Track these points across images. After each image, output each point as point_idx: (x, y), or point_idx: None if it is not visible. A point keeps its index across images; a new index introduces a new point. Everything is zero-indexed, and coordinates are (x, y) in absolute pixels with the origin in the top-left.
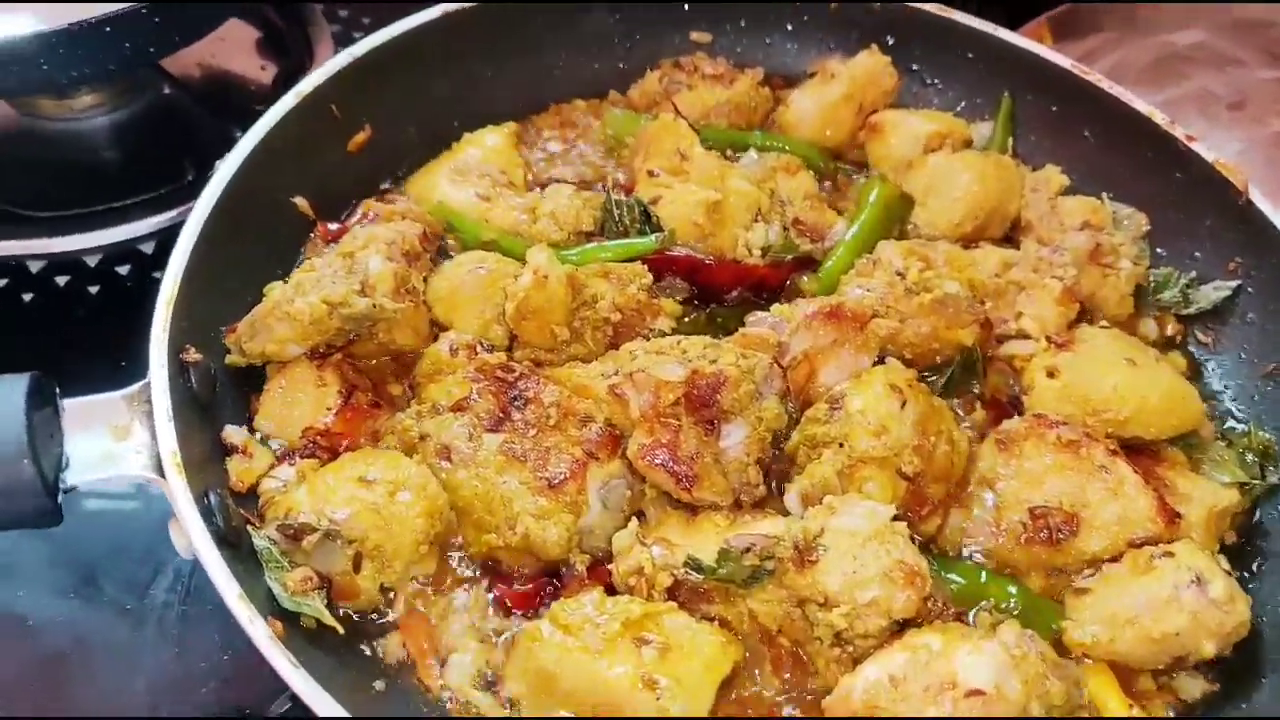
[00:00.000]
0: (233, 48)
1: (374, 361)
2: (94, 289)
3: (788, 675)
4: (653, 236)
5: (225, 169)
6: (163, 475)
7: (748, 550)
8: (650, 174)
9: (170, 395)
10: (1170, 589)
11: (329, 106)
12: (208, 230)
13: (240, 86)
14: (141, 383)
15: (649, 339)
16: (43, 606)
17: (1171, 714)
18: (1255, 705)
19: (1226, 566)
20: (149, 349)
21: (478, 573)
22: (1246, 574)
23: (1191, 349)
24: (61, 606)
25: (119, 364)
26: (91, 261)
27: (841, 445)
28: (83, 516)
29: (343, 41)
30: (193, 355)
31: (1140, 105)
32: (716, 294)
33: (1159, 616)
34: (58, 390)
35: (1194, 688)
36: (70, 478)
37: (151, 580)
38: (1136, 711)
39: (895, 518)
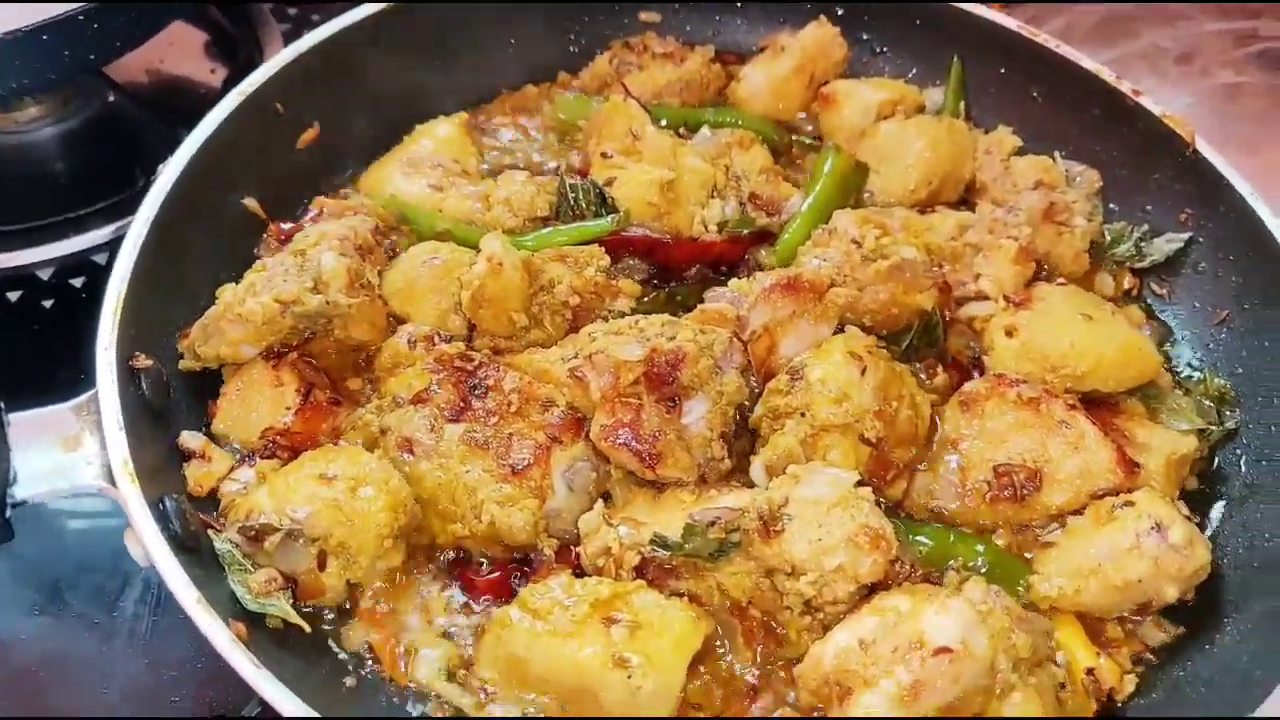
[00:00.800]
0: (180, 52)
1: (332, 357)
2: (48, 303)
3: (760, 646)
4: (608, 218)
5: (169, 173)
6: (115, 485)
7: (713, 524)
8: (604, 156)
9: (120, 403)
10: (1131, 537)
11: (273, 105)
12: (153, 235)
13: (189, 91)
14: (90, 392)
15: (609, 321)
16: (9, 625)
17: (1135, 660)
18: (1218, 646)
19: (1186, 512)
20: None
21: (445, 563)
22: (1207, 518)
23: (1148, 300)
24: (28, 624)
25: (76, 377)
26: (44, 275)
27: (803, 415)
28: (46, 533)
29: (293, 41)
30: (143, 362)
31: (1087, 63)
32: (675, 272)
33: (1121, 565)
34: (1, 405)
35: (1159, 634)
36: (19, 492)
37: (120, 592)
38: (1103, 659)
39: (860, 483)
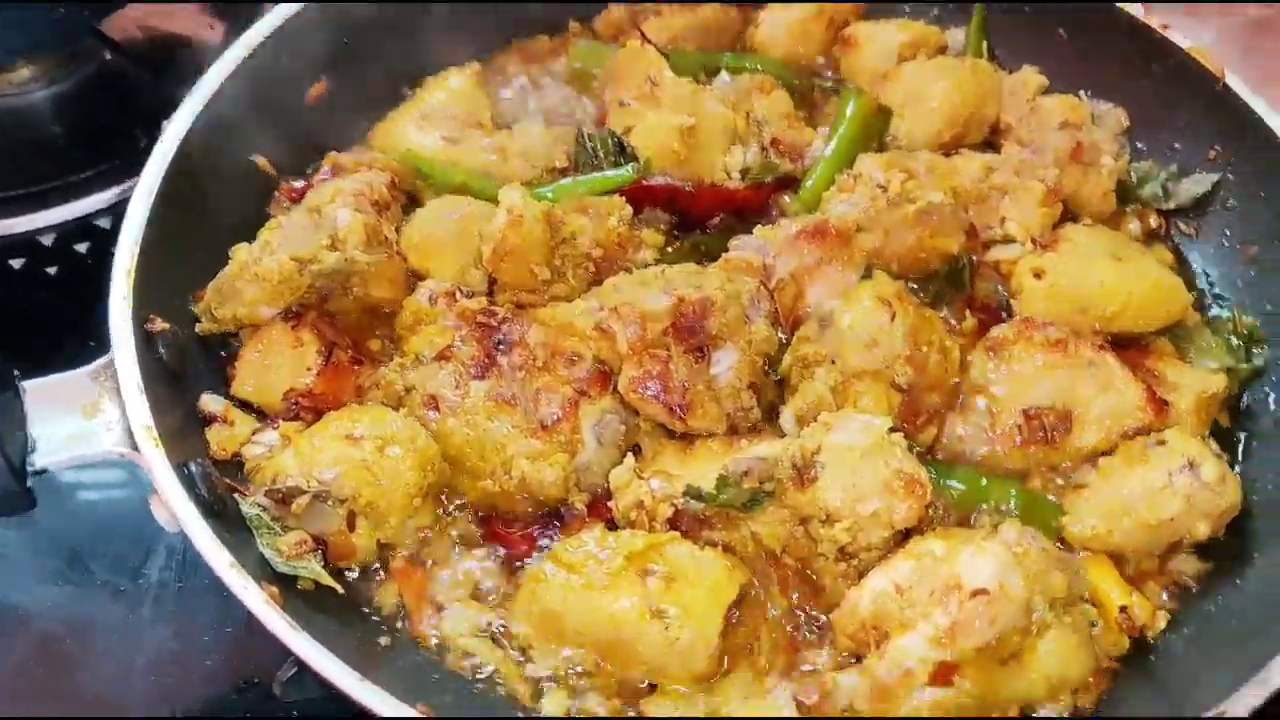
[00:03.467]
0: (176, 14)
1: (352, 317)
2: (52, 269)
3: (795, 594)
4: (628, 167)
5: (174, 130)
6: (137, 449)
7: (746, 474)
8: (621, 104)
9: (138, 367)
10: (1164, 476)
11: (279, 59)
12: (162, 195)
13: (187, 48)
14: (106, 357)
15: (632, 272)
16: (35, 596)
17: (1167, 596)
18: (1248, 580)
19: (1217, 450)
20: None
21: (476, 520)
22: (1236, 455)
23: (1175, 239)
24: (54, 594)
25: (86, 344)
26: (47, 241)
27: (834, 362)
28: (69, 502)
29: None
30: (158, 325)
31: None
32: (698, 221)
33: (1154, 503)
34: (16, 373)
35: (1189, 568)
36: (39, 460)
37: (144, 560)
38: (1135, 597)
39: (891, 429)
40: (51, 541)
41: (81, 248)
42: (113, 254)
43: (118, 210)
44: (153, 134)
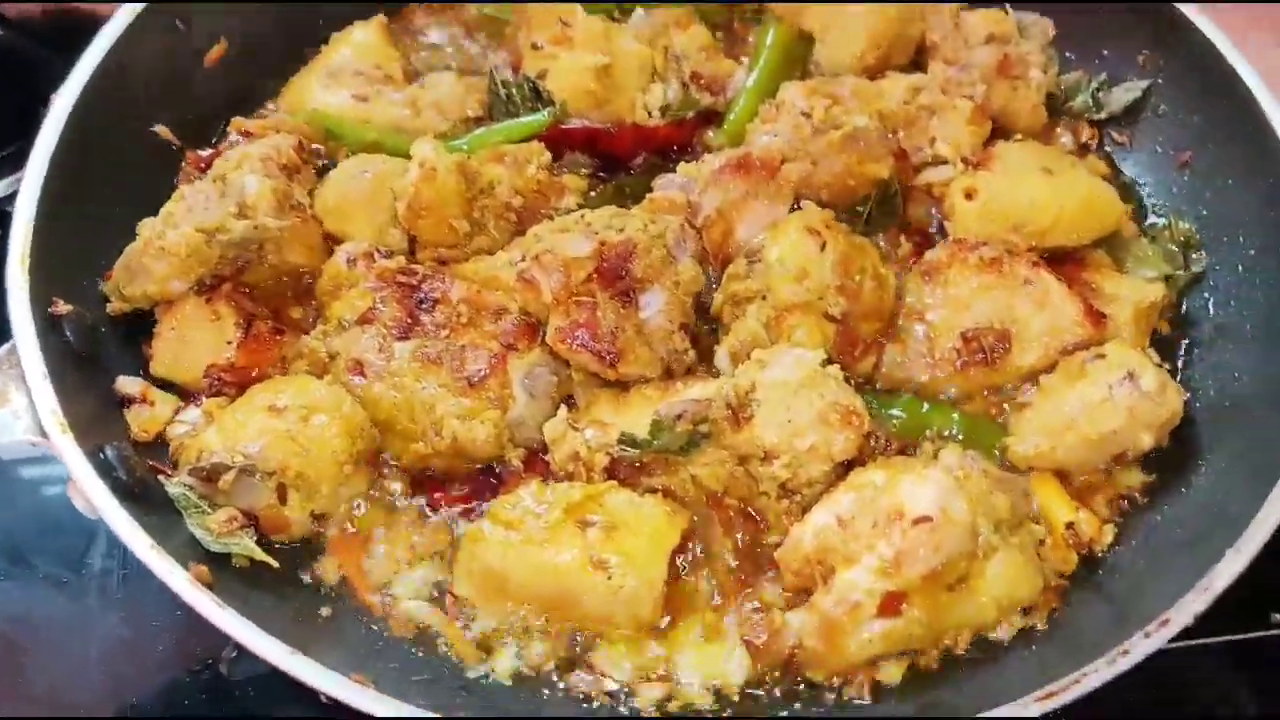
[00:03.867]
0: None
1: (270, 286)
2: None
3: (740, 534)
4: (544, 111)
5: (63, 102)
6: (47, 437)
7: (680, 417)
8: (534, 47)
9: (42, 353)
10: (1104, 389)
11: (173, 21)
12: (55, 171)
13: (88, 21)
14: (7, 345)
15: (555, 219)
16: None
17: (1114, 510)
18: (1193, 489)
19: (1157, 360)
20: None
21: (409, 484)
22: (1177, 363)
23: (1109, 149)
24: None
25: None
26: None
27: (764, 297)
28: (2, 497)
29: None
30: (61, 308)
31: None
32: (621, 163)
33: (1096, 417)
34: None
35: (1135, 480)
36: None
37: (86, 549)
38: (1082, 513)
39: (828, 361)
40: None
41: None
42: None
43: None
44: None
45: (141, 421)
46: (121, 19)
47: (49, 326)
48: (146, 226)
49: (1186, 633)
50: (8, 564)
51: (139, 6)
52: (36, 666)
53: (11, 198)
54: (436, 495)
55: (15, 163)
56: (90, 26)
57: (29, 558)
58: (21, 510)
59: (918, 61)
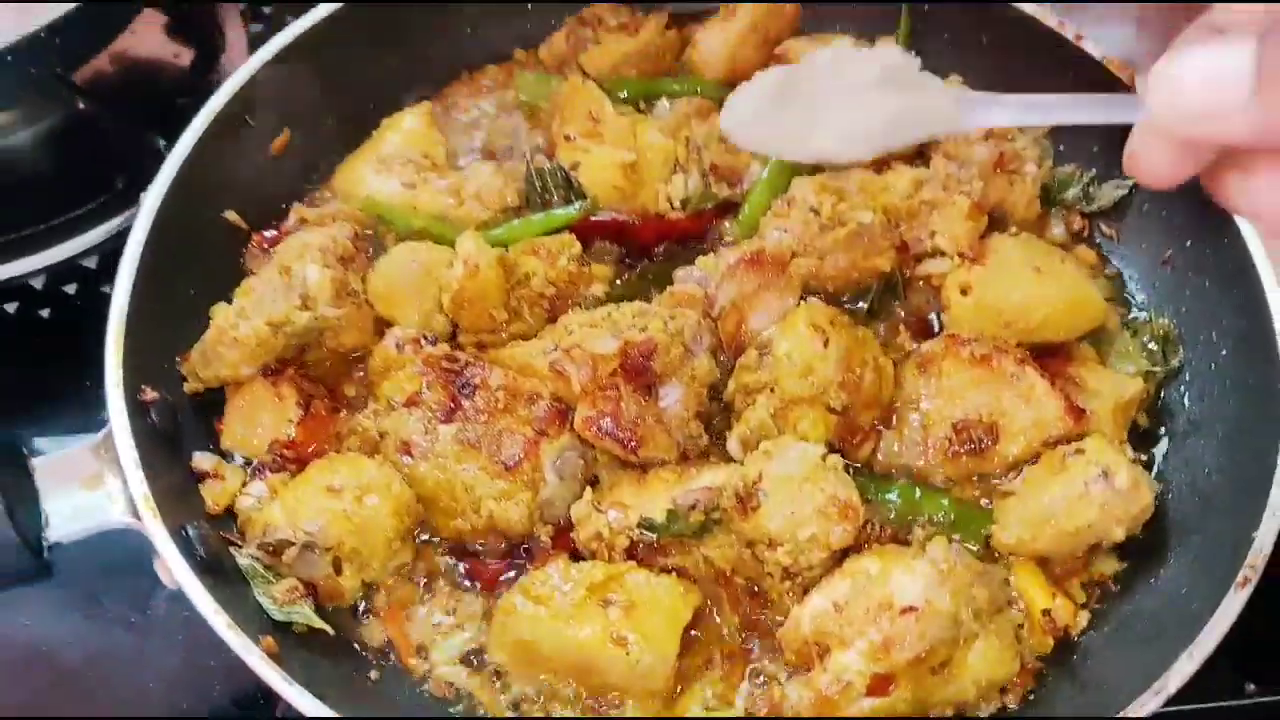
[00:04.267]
0: (140, 38)
1: (327, 365)
2: (44, 312)
3: (745, 610)
4: (576, 205)
5: (151, 199)
6: (139, 519)
7: (693, 506)
8: (567, 139)
9: (134, 438)
10: (1081, 485)
11: (243, 118)
12: (145, 263)
13: (155, 76)
14: (104, 431)
15: (585, 307)
16: (50, 632)
17: (1087, 596)
18: (1162, 580)
19: (1132, 455)
20: (105, 394)
21: (451, 555)
22: (1153, 454)
23: (1098, 241)
24: (68, 629)
25: (83, 385)
26: (38, 284)
27: (772, 390)
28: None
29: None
30: (149, 394)
31: (1028, 6)
32: (644, 250)
33: (1072, 512)
34: (26, 450)
35: (1109, 568)
36: (53, 534)
37: (151, 591)
38: (1058, 600)
39: (831, 448)
40: (64, 578)
41: (70, 289)
42: (101, 293)
43: (102, 249)
44: (130, 170)
45: (215, 495)
46: (200, 121)
47: (138, 412)
48: (219, 314)
49: None
50: (83, 603)
51: (216, 107)
52: (100, 699)
53: (89, 252)
54: (474, 566)
55: (93, 219)
56: (156, 83)
57: (100, 598)
58: (96, 552)
59: (922, 152)
